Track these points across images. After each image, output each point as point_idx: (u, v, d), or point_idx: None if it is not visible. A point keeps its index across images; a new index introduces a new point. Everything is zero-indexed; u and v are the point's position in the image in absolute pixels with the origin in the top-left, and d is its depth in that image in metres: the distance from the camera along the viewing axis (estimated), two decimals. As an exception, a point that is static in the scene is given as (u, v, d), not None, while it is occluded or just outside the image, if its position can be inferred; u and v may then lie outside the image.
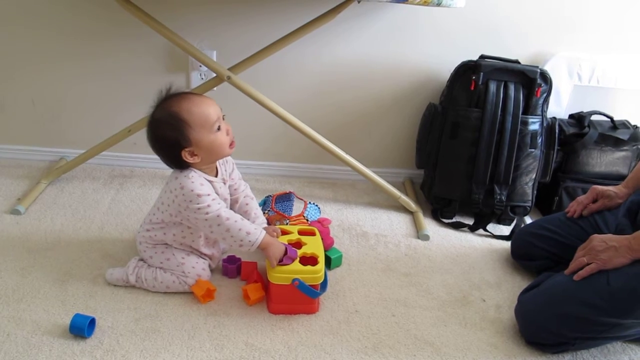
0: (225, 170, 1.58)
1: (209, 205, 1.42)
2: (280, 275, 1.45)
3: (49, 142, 2.19)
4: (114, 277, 1.55)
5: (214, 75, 1.85)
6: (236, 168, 1.64)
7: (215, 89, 1.97)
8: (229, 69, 1.83)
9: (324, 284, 1.51)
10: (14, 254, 1.65)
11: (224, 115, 1.47)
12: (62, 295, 1.51)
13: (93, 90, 2.09)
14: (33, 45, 2.03)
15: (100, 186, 2.06)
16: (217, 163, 1.54)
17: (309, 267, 1.47)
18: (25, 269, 1.59)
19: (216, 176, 1.52)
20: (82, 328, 1.35)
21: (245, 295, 1.52)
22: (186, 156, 1.43)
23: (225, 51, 2.01)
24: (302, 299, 1.47)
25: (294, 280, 1.44)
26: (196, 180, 1.44)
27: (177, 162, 1.46)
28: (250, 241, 1.44)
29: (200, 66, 2.01)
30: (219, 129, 1.44)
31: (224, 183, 1.55)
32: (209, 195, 1.43)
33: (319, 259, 1.50)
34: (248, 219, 1.53)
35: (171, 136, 1.41)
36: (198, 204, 1.42)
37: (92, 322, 1.38)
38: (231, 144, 1.48)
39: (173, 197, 1.45)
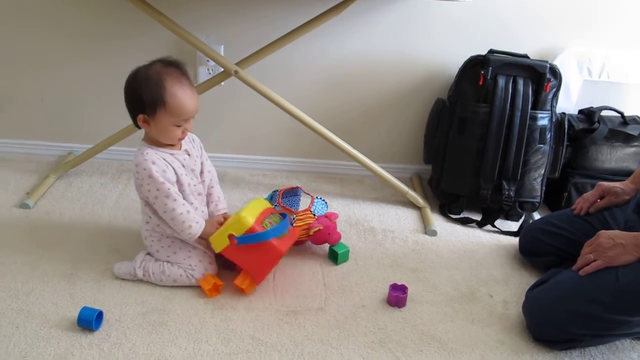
0: (192, 142, 1.60)
1: (157, 189, 1.46)
2: (217, 240, 1.49)
3: (58, 137, 2.20)
4: (121, 271, 1.56)
5: (222, 70, 1.85)
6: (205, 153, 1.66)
7: (222, 83, 1.97)
8: (236, 64, 1.83)
9: (277, 228, 1.50)
10: (23, 248, 1.66)
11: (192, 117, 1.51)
12: (70, 288, 1.52)
13: (101, 85, 2.09)
14: (42, 42, 2.04)
15: (108, 181, 2.07)
16: None
17: (229, 220, 1.49)
18: (34, 263, 1.60)
19: (180, 149, 1.54)
20: (89, 321, 1.36)
21: (240, 289, 1.52)
22: (140, 119, 1.46)
23: (232, 46, 2.01)
24: (261, 251, 1.47)
25: (231, 239, 1.46)
26: (149, 157, 1.46)
27: (131, 115, 1.49)
28: (189, 233, 1.50)
29: (208, 61, 2.01)
30: (179, 125, 1.47)
31: (188, 155, 1.56)
32: (161, 180, 1.46)
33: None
34: (210, 203, 1.63)
35: (143, 96, 1.43)
36: (148, 184, 1.46)
37: (100, 315, 1.39)
38: (180, 139, 1.52)
39: (135, 175, 1.50)
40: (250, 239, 1.46)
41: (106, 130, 1.98)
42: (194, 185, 1.56)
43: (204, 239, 1.53)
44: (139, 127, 1.51)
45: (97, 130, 2.06)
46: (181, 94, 1.43)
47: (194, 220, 1.50)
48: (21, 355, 1.30)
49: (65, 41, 2.04)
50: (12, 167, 2.12)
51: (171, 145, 1.52)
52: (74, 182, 2.03)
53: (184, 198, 1.52)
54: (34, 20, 2.00)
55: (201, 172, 1.62)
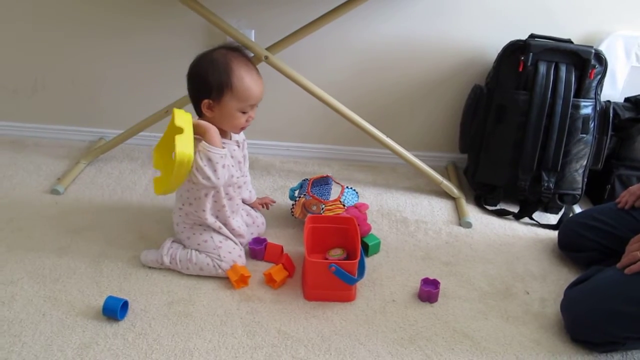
0: (240, 134, 1.56)
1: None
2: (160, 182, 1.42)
3: (89, 122, 2.21)
4: (148, 259, 1.55)
5: (252, 55, 1.81)
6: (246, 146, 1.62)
7: (253, 69, 1.93)
8: (266, 49, 1.78)
9: (361, 271, 1.47)
10: (52, 234, 1.67)
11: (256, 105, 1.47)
12: (97, 276, 1.51)
13: (131, 70, 2.08)
14: (72, 26, 2.03)
15: (138, 167, 2.06)
16: None
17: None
18: (62, 249, 1.60)
19: (230, 139, 1.51)
20: (114, 310, 1.35)
21: (269, 279, 1.50)
22: (204, 105, 1.42)
23: (264, 30, 1.96)
24: (338, 285, 1.44)
25: (330, 266, 1.41)
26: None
27: (194, 102, 1.45)
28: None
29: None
30: (245, 112, 1.43)
31: (238, 146, 1.53)
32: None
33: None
34: (245, 191, 1.63)
35: (209, 79, 1.39)
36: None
37: (125, 304, 1.38)
38: (242, 127, 1.48)
39: None
40: (343, 276, 1.42)
41: (137, 115, 1.97)
42: (237, 177, 1.53)
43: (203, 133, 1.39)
44: (200, 115, 1.46)
45: (127, 116, 2.05)
46: (248, 78, 1.40)
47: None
48: (46, 344, 1.30)
49: (96, 27, 2.02)
50: (44, 152, 2.13)
51: (223, 135, 1.47)
52: (104, 168, 2.03)
53: (225, 189, 1.50)
54: (64, 4, 1.99)
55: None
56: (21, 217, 1.74)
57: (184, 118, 1.35)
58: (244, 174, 1.60)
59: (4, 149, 2.14)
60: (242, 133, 1.58)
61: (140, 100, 2.11)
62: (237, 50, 1.44)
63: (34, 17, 2.03)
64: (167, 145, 1.42)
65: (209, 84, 1.39)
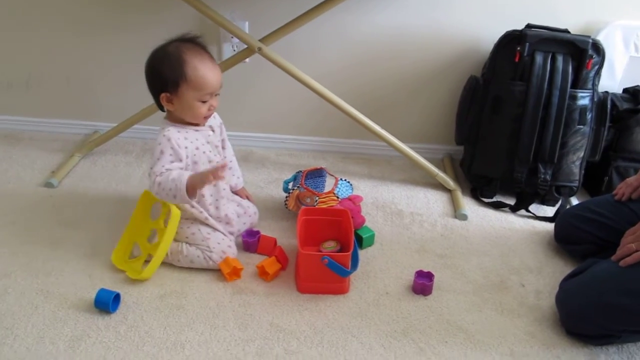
0: (213, 119, 1.56)
1: (156, 172, 1.41)
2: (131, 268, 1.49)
3: (84, 116, 2.20)
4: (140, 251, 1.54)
5: (245, 46, 1.79)
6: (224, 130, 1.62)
7: (247, 60, 1.92)
8: (260, 40, 1.77)
9: (354, 263, 1.46)
10: (45, 227, 1.66)
11: (217, 93, 1.46)
12: (89, 269, 1.50)
13: (125, 63, 2.07)
14: (65, 20, 2.02)
15: (132, 159, 2.05)
16: None
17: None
18: (55, 242, 1.60)
19: (203, 125, 1.52)
20: (106, 303, 1.34)
21: (262, 272, 1.49)
22: (163, 98, 1.43)
23: (258, 22, 1.94)
24: (331, 278, 1.43)
25: (323, 258, 1.40)
26: (167, 134, 1.43)
27: (154, 97, 1.46)
28: (176, 185, 1.38)
29: (232, 37, 1.96)
30: (205, 101, 1.43)
31: (212, 131, 1.53)
32: (170, 159, 1.42)
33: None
34: (232, 177, 1.65)
35: (165, 73, 1.40)
36: (156, 158, 1.42)
37: (117, 297, 1.37)
38: (206, 117, 1.48)
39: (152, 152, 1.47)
40: (336, 268, 1.41)
41: (130, 108, 1.96)
42: (217, 162, 1.53)
43: (191, 187, 1.40)
44: (163, 110, 1.49)
45: (121, 109, 2.03)
46: (202, 67, 1.40)
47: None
48: (39, 336, 1.29)
49: (88, 20, 2.01)
50: (39, 146, 2.12)
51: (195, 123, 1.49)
52: (98, 161, 2.02)
53: None
54: (57, 1, 1.98)
55: (223, 149, 1.60)
56: (15, 211, 1.73)
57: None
58: (225, 158, 1.60)
59: (-1, 142, 2.14)
60: (217, 117, 1.58)
61: (134, 94, 2.07)
62: (191, 41, 1.44)
63: (27, 11, 2.02)
64: (138, 233, 1.57)
65: (164, 77, 1.40)
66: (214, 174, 1.35)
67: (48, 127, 2.21)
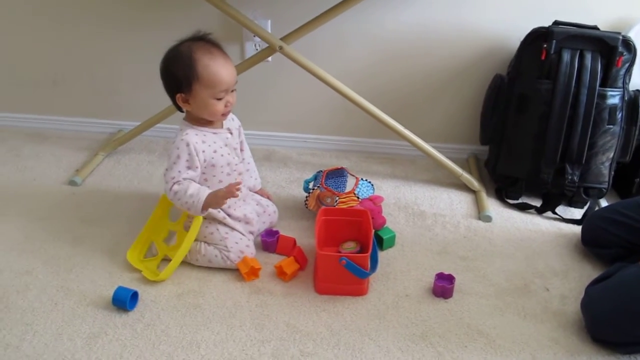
0: (232, 121, 1.56)
1: (173, 177, 1.43)
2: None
3: (108, 114, 2.22)
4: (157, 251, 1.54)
5: (267, 45, 1.78)
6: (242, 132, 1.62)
7: (270, 59, 1.92)
8: (281, 39, 1.76)
9: (373, 264, 1.44)
10: (67, 225, 1.68)
11: (234, 90, 1.45)
12: (109, 266, 1.52)
13: (149, 62, 2.04)
14: (90, 20, 2.04)
15: (155, 158, 2.06)
16: None
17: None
18: (77, 240, 1.61)
19: (221, 127, 1.51)
20: (124, 301, 1.35)
21: (280, 272, 1.48)
22: (179, 99, 1.43)
23: (280, 20, 1.93)
24: (349, 279, 1.41)
25: (341, 259, 1.38)
26: (186, 138, 1.43)
27: (171, 98, 1.47)
28: (193, 202, 1.41)
29: (254, 36, 1.95)
30: (220, 98, 1.42)
31: (231, 134, 1.53)
32: (186, 165, 1.43)
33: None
34: (249, 178, 1.64)
35: (177, 74, 1.40)
36: (172, 162, 1.44)
37: (135, 295, 1.38)
38: (224, 114, 1.46)
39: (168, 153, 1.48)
40: (355, 270, 1.39)
41: (154, 107, 1.96)
42: (236, 164, 1.52)
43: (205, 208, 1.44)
44: (182, 110, 1.49)
45: (145, 108, 2.04)
46: (213, 64, 1.39)
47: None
48: (57, 333, 1.31)
49: (112, 19, 2.03)
50: (65, 145, 2.15)
51: (212, 124, 1.48)
52: (121, 160, 2.04)
53: (220, 177, 1.49)
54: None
55: (241, 150, 1.60)
56: (40, 208, 1.76)
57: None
58: (244, 160, 1.60)
59: (26, 140, 2.17)
60: (235, 120, 1.57)
61: (157, 92, 2.07)
62: (202, 39, 1.43)
63: (52, 11, 2.05)
64: (155, 233, 1.59)
65: (177, 78, 1.40)
66: (229, 192, 1.38)
67: (74, 125, 2.25)
